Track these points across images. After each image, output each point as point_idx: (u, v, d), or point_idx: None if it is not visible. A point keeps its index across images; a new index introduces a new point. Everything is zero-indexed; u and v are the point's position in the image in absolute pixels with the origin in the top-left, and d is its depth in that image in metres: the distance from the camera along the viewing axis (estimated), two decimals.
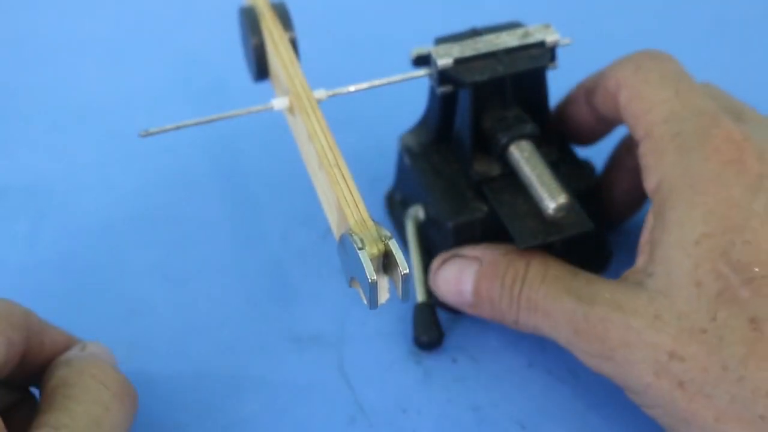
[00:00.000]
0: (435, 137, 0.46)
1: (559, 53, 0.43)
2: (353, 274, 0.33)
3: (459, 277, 0.42)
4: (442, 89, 0.42)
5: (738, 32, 0.62)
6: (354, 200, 0.34)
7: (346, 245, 0.33)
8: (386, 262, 0.33)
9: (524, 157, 0.42)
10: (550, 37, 0.42)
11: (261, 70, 0.44)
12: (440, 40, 0.43)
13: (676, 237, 0.36)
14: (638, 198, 0.46)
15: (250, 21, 0.43)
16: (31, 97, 0.59)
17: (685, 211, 0.36)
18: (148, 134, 0.39)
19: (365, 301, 0.33)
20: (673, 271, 0.36)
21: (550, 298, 0.39)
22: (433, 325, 0.43)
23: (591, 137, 0.46)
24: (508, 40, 0.42)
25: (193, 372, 0.43)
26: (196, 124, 0.40)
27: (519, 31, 0.43)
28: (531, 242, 0.41)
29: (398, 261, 0.32)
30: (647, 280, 0.36)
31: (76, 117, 0.57)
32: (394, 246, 0.32)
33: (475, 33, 0.43)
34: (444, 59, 0.41)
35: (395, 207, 0.49)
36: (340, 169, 0.36)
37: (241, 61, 0.46)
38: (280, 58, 0.41)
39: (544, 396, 0.42)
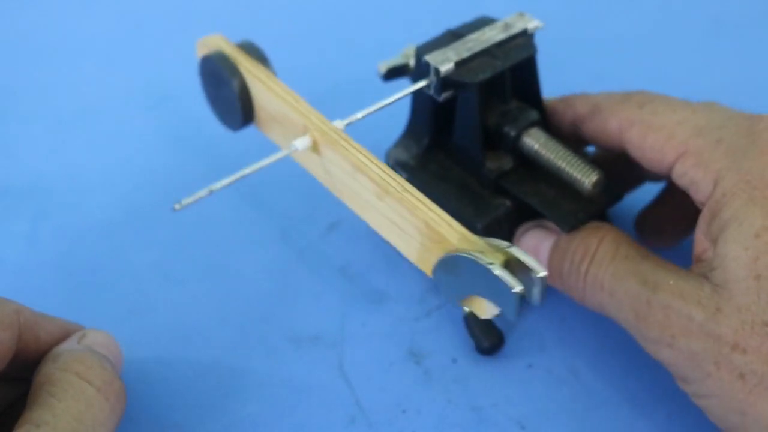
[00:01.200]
0: (428, 146, 0.46)
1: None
2: (469, 292, 0.32)
3: (537, 247, 0.42)
4: (445, 95, 0.42)
5: (737, 32, 0.62)
6: (445, 219, 0.33)
7: (459, 265, 0.32)
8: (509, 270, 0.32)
9: (541, 144, 0.42)
10: (530, 25, 0.43)
11: (247, 113, 0.42)
12: (422, 49, 0.43)
13: (734, 232, 0.36)
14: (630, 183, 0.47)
15: (225, 65, 0.41)
16: (31, 97, 0.59)
17: (743, 207, 0.36)
18: (182, 207, 0.37)
19: (486, 315, 0.33)
20: (731, 265, 0.35)
21: (616, 278, 0.39)
22: (491, 330, 0.43)
23: None
24: (494, 35, 0.42)
25: (193, 372, 0.43)
26: (229, 183, 0.38)
27: (499, 25, 0.43)
28: (576, 223, 0.41)
29: (531, 265, 0.31)
30: (710, 273, 0.36)
31: (76, 117, 0.57)
32: (519, 252, 0.31)
33: (454, 35, 0.43)
34: (445, 65, 0.41)
35: None
36: (411, 193, 0.34)
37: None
38: (281, 98, 0.39)
39: (544, 396, 0.42)
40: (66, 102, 0.58)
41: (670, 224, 0.46)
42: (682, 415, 0.41)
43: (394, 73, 0.45)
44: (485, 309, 0.33)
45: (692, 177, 0.38)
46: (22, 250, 0.49)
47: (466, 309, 0.44)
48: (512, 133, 0.42)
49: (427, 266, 0.35)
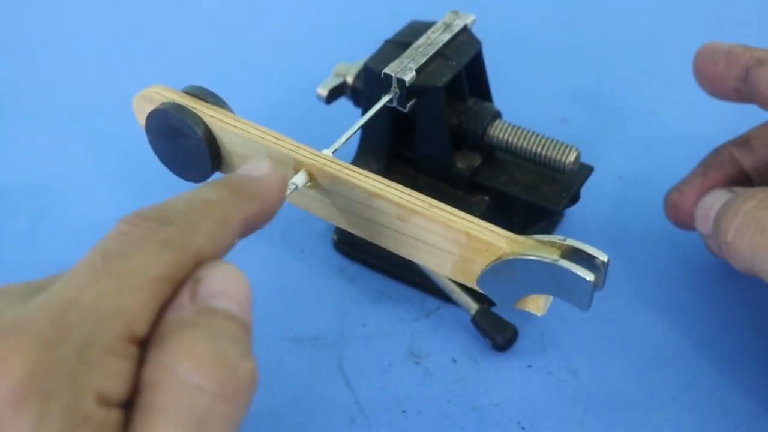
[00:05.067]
0: (386, 161, 0.45)
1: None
2: (528, 293, 0.32)
3: (713, 205, 0.41)
4: (409, 105, 0.41)
5: (739, 33, 0.62)
6: (485, 226, 0.32)
7: (515, 269, 0.31)
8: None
9: (510, 134, 0.43)
10: (468, 20, 0.43)
11: (216, 161, 0.38)
12: (372, 63, 0.42)
13: None
14: None
15: (185, 115, 0.37)
16: (31, 96, 0.59)
17: None
18: None
19: (542, 312, 0.32)
20: None
21: None
22: (503, 325, 0.43)
23: None
24: (440, 36, 0.42)
25: None
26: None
27: (440, 26, 0.43)
28: (563, 202, 0.42)
29: (591, 252, 0.30)
30: None
31: (76, 117, 0.57)
32: (574, 242, 0.31)
33: (397, 44, 0.43)
34: (408, 74, 0.40)
35: (358, 249, 0.47)
36: (439, 207, 0.33)
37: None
38: (261, 138, 0.36)
39: (544, 396, 0.42)
40: (65, 101, 0.58)
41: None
42: (680, 415, 0.41)
43: (335, 93, 0.45)
44: (541, 306, 0.33)
45: None
46: (21, 249, 0.49)
47: (473, 311, 0.44)
48: (479, 129, 0.43)
49: (469, 277, 0.34)
